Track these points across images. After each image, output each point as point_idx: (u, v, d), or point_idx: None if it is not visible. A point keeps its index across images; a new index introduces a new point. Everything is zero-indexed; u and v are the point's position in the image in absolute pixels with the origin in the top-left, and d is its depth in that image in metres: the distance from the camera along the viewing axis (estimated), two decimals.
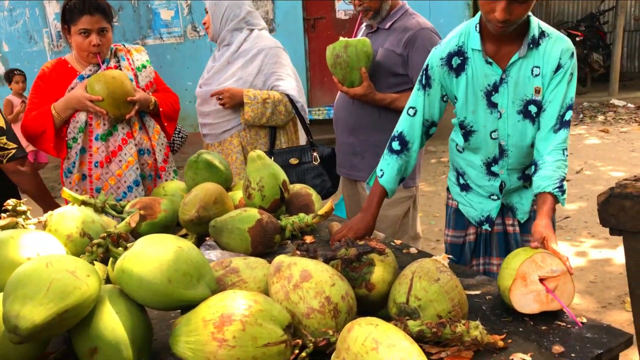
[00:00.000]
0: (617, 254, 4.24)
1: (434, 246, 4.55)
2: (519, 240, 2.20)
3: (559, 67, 1.91)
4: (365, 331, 1.19)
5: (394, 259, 1.65)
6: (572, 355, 1.42)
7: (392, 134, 2.15)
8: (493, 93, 1.98)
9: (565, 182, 1.86)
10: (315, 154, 3.02)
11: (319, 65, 7.88)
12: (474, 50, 1.98)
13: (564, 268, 1.57)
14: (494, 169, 2.12)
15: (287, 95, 3.01)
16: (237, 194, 2.40)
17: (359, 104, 2.78)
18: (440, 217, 5.32)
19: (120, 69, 2.81)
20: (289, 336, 1.34)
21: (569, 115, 1.93)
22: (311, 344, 1.36)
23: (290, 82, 3.06)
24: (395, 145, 2.12)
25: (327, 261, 1.58)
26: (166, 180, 2.86)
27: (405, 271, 1.54)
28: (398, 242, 2.20)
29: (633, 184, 1.95)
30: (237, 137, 3.05)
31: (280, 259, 1.53)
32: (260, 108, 2.95)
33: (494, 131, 2.03)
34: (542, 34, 1.94)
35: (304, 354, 1.35)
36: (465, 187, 2.25)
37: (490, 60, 1.96)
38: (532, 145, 2.03)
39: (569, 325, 1.56)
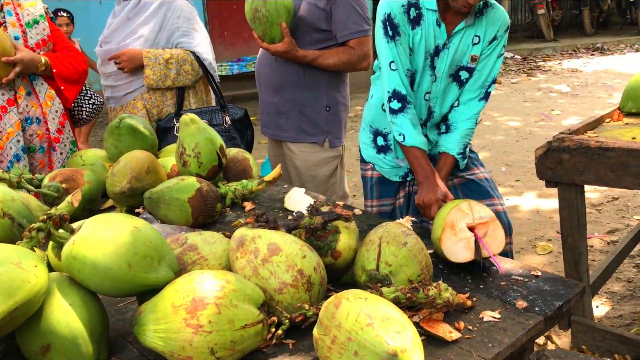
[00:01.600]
0: (523, 201, 4.50)
1: (352, 202, 4.58)
2: (453, 191, 2.22)
3: (494, 38, 1.96)
4: (356, 306, 1.14)
5: (355, 224, 1.60)
6: (536, 309, 1.46)
7: (385, 96, 2.05)
8: (434, 57, 1.98)
9: (467, 149, 2.01)
10: (226, 116, 2.88)
11: (219, 18, 7.56)
12: (428, 9, 1.95)
13: (492, 215, 1.61)
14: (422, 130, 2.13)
15: (193, 53, 2.83)
16: (167, 161, 2.24)
17: (282, 61, 2.67)
18: (353, 172, 5.37)
19: (5, 26, 2.49)
20: (265, 315, 1.27)
21: (492, 88, 2.02)
22: (287, 321, 1.30)
23: (196, 37, 2.87)
24: (395, 104, 2.01)
25: (289, 231, 1.51)
26: (61, 153, 2.59)
27: (370, 236, 1.50)
28: (340, 203, 2.16)
29: (570, 137, 2.03)
30: (141, 100, 2.84)
31: (241, 232, 1.44)
32: (163, 69, 2.75)
33: (428, 93, 2.05)
34: (486, 3, 1.95)
35: (280, 331, 1.29)
36: (383, 149, 2.23)
37: (441, 21, 1.94)
38: (451, 106, 2.09)
39: (526, 280, 1.60)
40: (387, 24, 1.97)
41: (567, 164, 2.01)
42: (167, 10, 2.81)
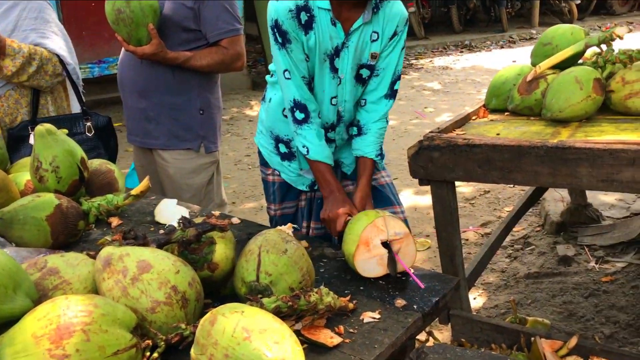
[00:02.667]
0: (401, 198, 4.71)
1: (230, 209, 4.57)
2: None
3: (395, 33, 1.98)
4: (233, 321, 1.15)
5: (231, 233, 1.61)
6: (414, 307, 1.55)
7: (286, 107, 2.03)
8: (335, 58, 1.97)
9: (382, 149, 2.06)
10: (88, 123, 2.77)
11: (76, 17, 7.20)
12: (321, 9, 1.91)
13: (406, 231, 1.68)
14: (330, 135, 2.15)
15: (57, 55, 2.70)
16: (20, 177, 2.11)
17: (149, 63, 2.61)
18: (231, 178, 5.35)
19: None
20: (138, 338, 1.24)
21: (397, 85, 2.05)
22: (162, 343, 1.28)
23: (57, 40, 2.74)
24: (299, 115, 2.00)
25: (161, 246, 1.49)
26: None
27: (250, 246, 1.51)
28: (217, 213, 2.15)
29: (439, 136, 2.17)
30: None
31: (108, 251, 1.40)
32: (24, 62, 2.56)
33: (334, 97, 2.05)
34: None
35: (155, 354, 1.27)
36: (287, 156, 2.23)
37: (336, 20, 1.92)
38: (356, 104, 2.12)
39: (403, 277, 1.70)
40: (276, 30, 1.93)
41: (437, 162, 2.14)
42: (23, 10, 2.65)
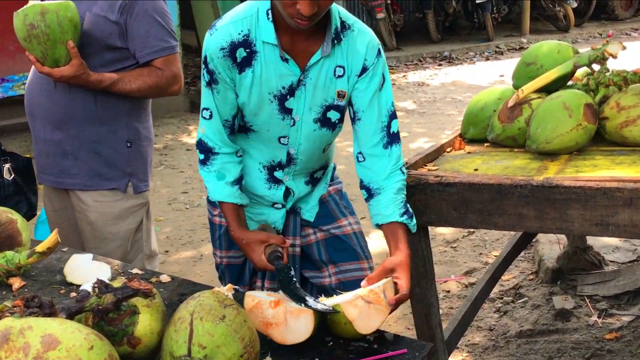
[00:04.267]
0: (371, 243, 4.76)
1: (163, 260, 4.55)
2: (297, 259, 2.32)
3: (364, 69, 2.01)
4: None
5: (161, 300, 1.62)
6: None
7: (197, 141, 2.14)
8: (288, 97, 2.01)
9: (407, 205, 2.04)
10: (7, 165, 2.77)
11: None
12: (266, 43, 1.95)
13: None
14: (278, 174, 2.20)
15: None
16: None
17: (66, 88, 2.60)
18: (165, 220, 5.33)
19: None
20: None
21: (395, 125, 2.06)
22: None
23: None
24: (199, 154, 2.12)
25: (71, 316, 1.49)
26: None
27: (180, 313, 1.52)
28: (139, 272, 2.16)
29: (407, 172, 2.22)
30: None
31: (6, 323, 1.39)
32: None
33: (284, 137, 2.10)
34: (343, 25, 2.00)
35: None
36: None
37: (287, 57, 1.96)
38: (325, 149, 2.18)
39: (365, 344, 1.73)
40: (204, 67, 2.01)
41: (407, 204, 2.20)
42: None
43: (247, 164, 2.18)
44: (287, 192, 2.23)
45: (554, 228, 2.04)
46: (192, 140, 7.62)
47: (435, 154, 2.50)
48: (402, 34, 13.34)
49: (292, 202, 2.26)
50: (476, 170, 2.29)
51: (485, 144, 2.62)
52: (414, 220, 2.04)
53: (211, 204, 2.39)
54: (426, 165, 2.39)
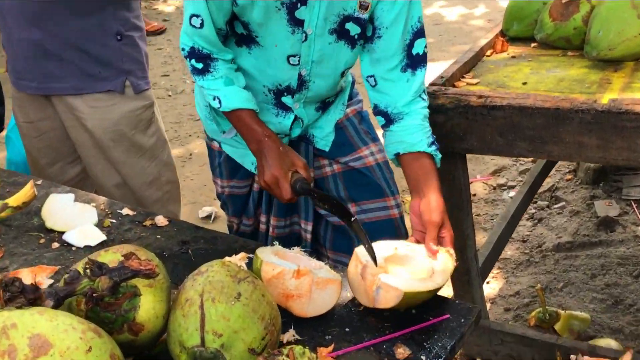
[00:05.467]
0: None
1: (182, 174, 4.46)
2: (309, 198, 2.24)
3: None
4: None
5: (166, 275, 1.54)
6: (422, 358, 1.53)
7: (182, 52, 1.97)
8: (299, 6, 1.87)
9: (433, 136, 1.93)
10: None
11: None
12: None
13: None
14: (286, 100, 2.09)
15: None
16: None
17: None
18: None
19: None
20: None
21: (420, 45, 1.93)
22: None
23: None
24: (195, 64, 1.95)
25: (60, 302, 1.41)
26: None
27: (187, 293, 1.44)
28: (131, 211, 2.09)
29: (444, 91, 2.09)
30: None
31: None
32: None
33: (294, 56, 1.96)
34: None
35: None
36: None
37: None
38: (343, 73, 2.04)
39: (404, 312, 1.66)
40: None
41: (443, 128, 2.09)
42: None
43: (249, 84, 2.04)
44: (295, 121, 2.13)
45: (619, 159, 1.94)
46: (168, 8, 7.36)
47: (473, 61, 2.36)
48: None
49: (301, 131, 2.16)
50: (525, 84, 2.17)
51: (532, 44, 2.49)
52: (440, 154, 1.94)
53: (208, 126, 2.29)
54: (464, 78, 2.26)
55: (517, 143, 2.03)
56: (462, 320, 1.64)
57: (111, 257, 1.52)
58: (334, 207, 1.89)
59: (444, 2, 7.00)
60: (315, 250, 2.38)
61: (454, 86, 2.21)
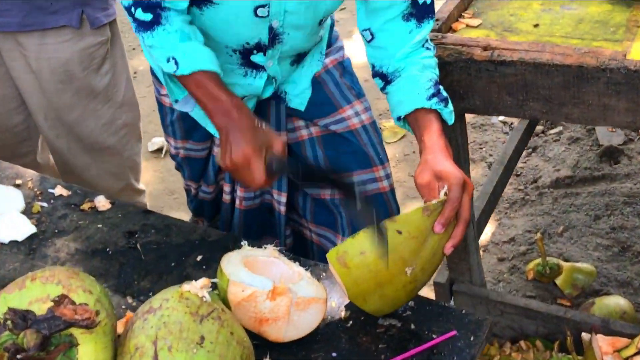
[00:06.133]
0: (356, 51, 4.41)
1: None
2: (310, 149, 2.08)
3: None
4: None
5: (109, 309, 1.32)
6: None
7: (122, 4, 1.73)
8: None
9: (442, 87, 1.72)
10: None
11: None
12: None
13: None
14: (257, 59, 1.87)
15: None
16: None
17: None
18: None
19: None
20: None
21: None
22: None
23: None
24: (142, 15, 1.71)
25: None
26: None
27: (137, 338, 1.27)
28: (65, 191, 1.88)
29: (441, 39, 1.85)
30: None
31: None
32: None
33: (263, 7, 1.72)
34: None
35: None
36: None
37: None
38: (322, 21, 1.84)
39: (399, 324, 1.53)
40: None
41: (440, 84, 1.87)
42: None
43: (209, 43, 1.80)
44: (268, 81, 1.91)
45: None
46: None
47: None
48: None
49: (273, 90, 1.95)
50: (536, 26, 1.93)
51: None
52: (450, 107, 1.72)
53: (156, 77, 2.04)
54: (462, 17, 2.01)
55: (528, 103, 1.83)
56: (472, 338, 1.52)
57: (38, 293, 1.30)
58: (328, 180, 1.76)
59: None
60: (292, 221, 2.22)
61: (451, 29, 1.97)
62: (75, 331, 1.25)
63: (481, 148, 3.58)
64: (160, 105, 2.15)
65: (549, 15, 1.99)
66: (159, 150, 3.80)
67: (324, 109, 2.02)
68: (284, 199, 2.09)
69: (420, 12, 1.74)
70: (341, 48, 2.08)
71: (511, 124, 3.68)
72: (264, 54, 1.83)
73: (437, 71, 1.77)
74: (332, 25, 2.03)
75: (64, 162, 2.57)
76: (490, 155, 3.56)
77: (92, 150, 2.56)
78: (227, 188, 2.14)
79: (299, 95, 2.00)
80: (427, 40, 1.77)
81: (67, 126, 2.51)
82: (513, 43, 1.84)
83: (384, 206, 2.04)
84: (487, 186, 2.65)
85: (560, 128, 3.61)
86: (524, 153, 3.47)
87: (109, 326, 1.31)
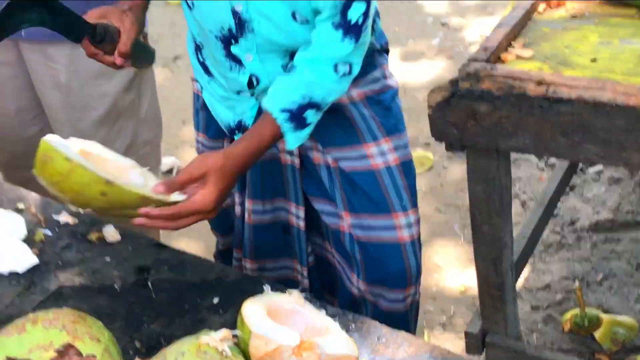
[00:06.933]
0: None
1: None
2: (297, 174, 2.05)
3: None
4: None
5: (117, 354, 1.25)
6: None
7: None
8: None
9: (312, 113, 1.79)
10: None
11: None
12: None
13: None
14: (235, 50, 1.90)
15: None
16: None
17: None
18: None
19: None
20: None
21: (355, 11, 1.74)
22: None
23: None
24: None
25: None
26: None
27: None
28: (71, 219, 1.81)
29: (489, 70, 1.77)
30: None
31: None
32: None
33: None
34: None
35: None
36: (207, 69, 2.07)
37: None
38: (297, 17, 1.83)
39: None
40: None
41: (485, 120, 1.78)
42: None
43: (202, 27, 1.93)
44: (252, 80, 1.95)
45: None
46: None
47: (523, 20, 2.03)
48: None
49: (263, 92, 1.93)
50: (594, 61, 1.85)
51: None
52: (301, 133, 1.81)
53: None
54: (512, 46, 1.93)
55: (584, 146, 1.74)
56: None
57: (39, 339, 1.23)
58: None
59: None
60: (314, 244, 2.21)
61: (499, 60, 1.90)
62: None
63: (514, 184, 3.50)
64: (195, 95, 2.22)
65: (608, 50, 1.91)
66: (169, 171, 3.74)
67: (343, 137, 2.02)
68: (302, 213, 2.08)
69: (347, 27, 1.75)
70: (378, 80, 2.04)
71: (547, 159, 3.60)
72: (238, 45, 1.86)
73: (327, 98, 1.81)
74: (370, 51, 1.97)
75: None
76: (524, 192, 3.49)
77: None
78: (237, 198, 2.13)
79: None
80: (346, 64, 1.79)
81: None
82: (570, 79, 1.75)
83: (398, 259, 2.03)
84: (525, 229, 2.58)
85: (600, 167, 3.53)
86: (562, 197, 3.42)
87: None
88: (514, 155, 3.66)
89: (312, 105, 1.78)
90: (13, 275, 1.68)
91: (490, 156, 1.90)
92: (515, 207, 3.39)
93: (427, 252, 3.12)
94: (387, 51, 2.10)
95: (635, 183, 3.40)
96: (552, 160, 3.36)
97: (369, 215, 2.02)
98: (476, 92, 1.78)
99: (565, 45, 1.95)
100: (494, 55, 1.89)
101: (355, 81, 1.93)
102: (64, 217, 1.83)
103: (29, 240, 1.77)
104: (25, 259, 1.71)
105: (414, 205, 2.06)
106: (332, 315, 1.51)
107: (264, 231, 2.13)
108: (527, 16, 2.07)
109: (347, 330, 1.52)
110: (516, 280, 2.47)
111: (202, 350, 1.25)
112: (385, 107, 2.02)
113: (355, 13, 1.75)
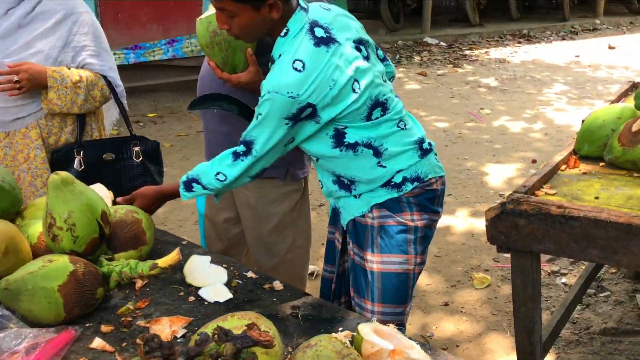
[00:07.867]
0: (456, 221, 4.40)
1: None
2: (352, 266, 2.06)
3: None
4: None
5: (280, 343, 1.36)
6: None
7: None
8: None
9: (203, 187, 1.98)
10: (136, 148, 2.56)
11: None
12: None
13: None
14: None
15: (104, 77, 2.54)
16: (32, 227, 1.88)
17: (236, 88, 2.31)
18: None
19: None
20: None
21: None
22: None
23: (107, 59, 2.59)
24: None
25: None
26: None
27: None
28: (254, 275, 1.92)
29: (527, 199, 1.87)
30: (36, 128, 2.47)
31: None
32: (70, 94, 2.41)
33: None
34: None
35: None
36: (346, 186, 2.06)
37: None
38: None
39: None
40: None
41: (523, 230, 1.85)
42: (74, 24, 2.47)
43: None
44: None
45: None
46: None
47: (550, 174, 2.12)
48: (484, 12, 12.55)
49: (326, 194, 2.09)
50: (597, 198, 1.92)
51: (601, 164, 2.23)
52: (189, 194, 2.02)
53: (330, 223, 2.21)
54: (543, 188, 2.02)
55: (589, 250, 1.78)
56: None
57: (236, 323, 1.37)
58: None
59: (508, 116, 6.72)
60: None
61: (534, 194, 1.98)
62: (258, 350, 1.29)
63: (546, 300, 3.42)
64: (329, 240, 2.24)
65: (607, 193, 1.97)
66: (311, 274, 3.67)
67: (358, 243, 2.00)
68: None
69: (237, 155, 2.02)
70: (390, 216, 1.93)
71: (570, 285, 3.51)
72: None
73: (229, 179, 1.97)
74: (394, 200, 1.93)
75: (258, 267, 2.57)
76: (553, 306, 3.38)
77: (279, 262, 2.54)
78: (343, 298, 2.17)
79: (345, 217, 2.05)
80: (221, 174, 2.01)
81: (265, 248, 2.52)
82: (579, 205, 1.83)
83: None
84: (551, 322, 2.53)
85: (608, 292, 3.42)
86: (579, 307, 3.31)
87: (279, 352, 1.34)
88: (546, 280, 3.61)
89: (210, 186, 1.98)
90: (216, 303, 1.79)
91: (526, 256, 1.94)
92: (547, 315, 3.32)
93: (481, 341, 3.06)
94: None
95: (634, 305, 3.26)
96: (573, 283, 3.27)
97: (356, 296, 2.03)
98: (517, 211, 1.86)
99: (577, 189, 2.02)
100: (530, 191, 1.98)
101: (376, 208, 1.95)
102: (250, 274, 1.95)
103: (228, 285, 1.88)
104: (225, 294, 1.81)
105: (378, 301, 1.96)
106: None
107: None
108: (553, 171, 2.16)
109: (425, 350, 1.55)
110: (544, 355, 2.41)
111: (332, 340, 1.34)
112: (390, 235, 1.94)
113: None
